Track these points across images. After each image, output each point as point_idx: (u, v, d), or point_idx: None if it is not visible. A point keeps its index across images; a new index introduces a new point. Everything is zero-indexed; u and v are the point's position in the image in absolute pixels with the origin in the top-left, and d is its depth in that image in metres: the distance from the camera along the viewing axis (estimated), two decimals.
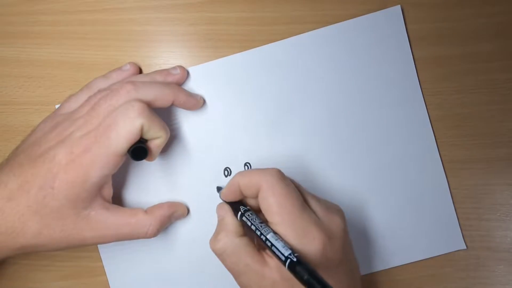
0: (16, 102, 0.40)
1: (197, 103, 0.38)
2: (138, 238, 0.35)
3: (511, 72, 0.40)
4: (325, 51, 0.40)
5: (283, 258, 0.29)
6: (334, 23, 0.40)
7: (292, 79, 0.40)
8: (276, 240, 0.30)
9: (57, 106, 0.38)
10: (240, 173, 0.33)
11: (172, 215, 0.37)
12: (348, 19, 0.40)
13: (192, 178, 0.39)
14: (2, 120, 0.41)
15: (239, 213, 0.33)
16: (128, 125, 0.32)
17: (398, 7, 0.39)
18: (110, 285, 0.39)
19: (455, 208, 0.39)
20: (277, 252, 0.29)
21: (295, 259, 0.28)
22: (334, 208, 0.34)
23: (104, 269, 0.39)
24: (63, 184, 0.32)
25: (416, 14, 0.40)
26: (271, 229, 0.31)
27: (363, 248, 0.39)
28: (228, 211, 0.34)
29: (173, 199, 0.39)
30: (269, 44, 0.40)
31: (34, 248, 0.33)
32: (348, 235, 0.34)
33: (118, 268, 0.39)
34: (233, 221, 0.33)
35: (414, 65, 0.40)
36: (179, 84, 0.39)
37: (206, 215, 0.39)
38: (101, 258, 0.39)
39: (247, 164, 0.39)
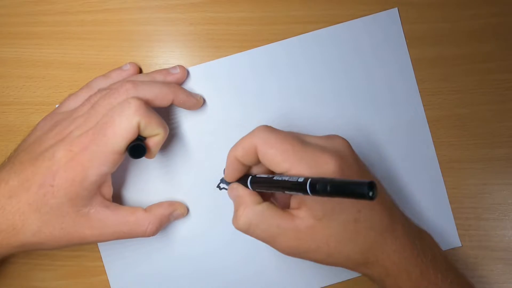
0: (17, 102, 0.41)
1: (197, 102, 0.38)
2: (137, 236, 0.35)
3: (510, 72, 0.40)
4: (323, 52, 0.40)
5: (301, 191, 0.27)
6: (333, 23, 0.40)
7: (291, 80, 0.40)
8: (289, 178, 0.29)
9: (57, 106, 0.38)
10: (231, 149, 0.33)
11: (171, 214, 0.37)
12: (348, 19, 0.40)
13: (192, 177, 0.39)
14: (3, 120, 0.41)
15: (248, 182, 0.33)
16: (124, 122, 0.32)
17: (395, 10, 0.40)
18: (110, 284, 0.39)
19: (450, 206, 0.40)
20: (295, 189, 0.28)
21: (309, 180, 0.27)
22: (333, 135, 0.34)
23: (104, 269, 0.39)
24: (62, 182, 0.32)
25: (416, 14, 0.40)
26: (282, 176, 0.30)
27: None
28: (238, 186, 0.34)
29: (172, 198, 0.39)
30: (269, 44, 0.40)
31: (34, 246, 0.33)
32: (357, 154, 0.34)
33: (119, 267, 0.39)
34: (246, 192, 0.33)
35: (411, 66, 0.40)
36: (179, 83, 0.39)
37: (206, 214, 0.39)
38: (101, 258, 0.40)
39: None
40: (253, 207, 0.32)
